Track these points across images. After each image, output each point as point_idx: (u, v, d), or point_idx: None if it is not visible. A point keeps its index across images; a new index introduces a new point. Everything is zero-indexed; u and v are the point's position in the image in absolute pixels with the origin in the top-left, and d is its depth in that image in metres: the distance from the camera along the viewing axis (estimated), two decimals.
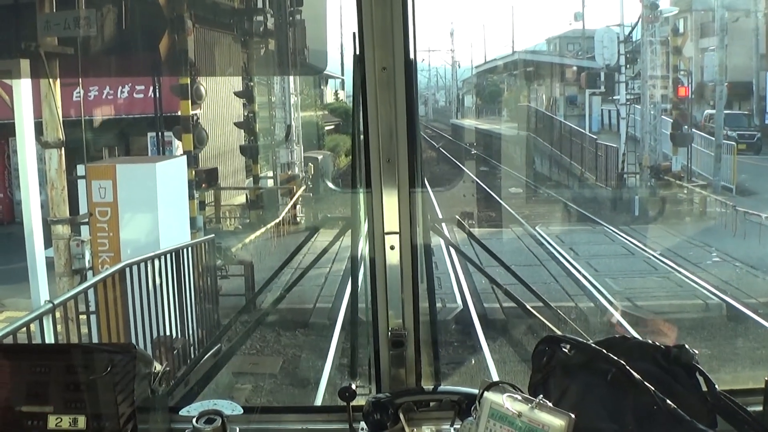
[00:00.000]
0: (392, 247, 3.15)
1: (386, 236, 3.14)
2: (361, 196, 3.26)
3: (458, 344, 14.15)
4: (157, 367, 3.04)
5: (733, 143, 31.18)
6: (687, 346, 2.74)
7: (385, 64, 2.95)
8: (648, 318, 14.75)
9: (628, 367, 2.60)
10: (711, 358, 12.04)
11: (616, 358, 2.64)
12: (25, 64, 12.79)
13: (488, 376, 11.53)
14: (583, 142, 38.21)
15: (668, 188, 29.08)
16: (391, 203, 3.10)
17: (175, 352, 11.18)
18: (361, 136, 3.11)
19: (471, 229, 21.99)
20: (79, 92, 18.67)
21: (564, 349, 2.80)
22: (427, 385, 3.31)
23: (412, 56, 2.99)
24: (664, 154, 30.73)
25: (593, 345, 2.74)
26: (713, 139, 30.91)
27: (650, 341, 2.85)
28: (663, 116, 30.95)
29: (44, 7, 13.14)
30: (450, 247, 14.21)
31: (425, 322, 3.31)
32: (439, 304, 15.28)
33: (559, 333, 3.67)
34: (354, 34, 3.00)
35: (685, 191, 28.85)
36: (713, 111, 33.60)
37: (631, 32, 36.55)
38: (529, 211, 29.36)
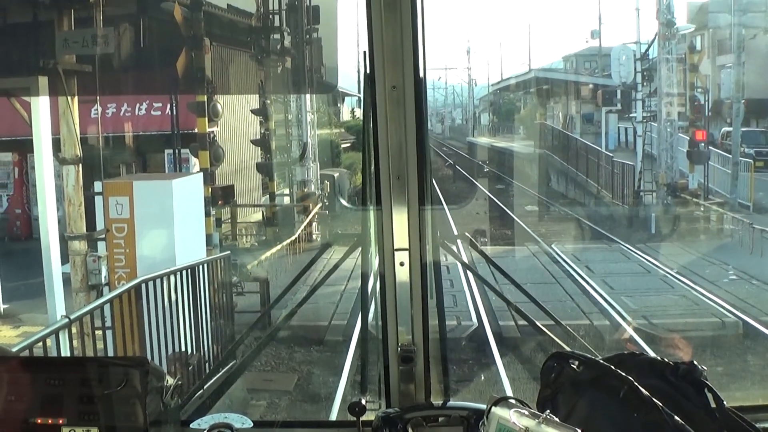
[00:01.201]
0: (402, 264, 3.17)
1: (396, 253, 3.16)
2: (372, 213, 3.29)
3: (473, 362, 14.12)
4: (170, 381, 3.07)
5: (750, 160, 31.05)
6: (696, 362, 2.75)
7: (395, 83, 2.98)
8: (664, 336, 14.70)
9: (636, 384, 2.60)
10: (727, 376, 11.99)
11: (624, 374, 2.65)
12: (43, 81, 12.90)
13: (502, 393, 11.51)
14: (600, 159, 38.13)
15: (685, 206, 28.97)
16: (400, 220, 3.13)
17: (190, 368, 11.19)
18: (372, 154, 3.14)
19: (487, 247, 22.04)
20: (97, 109, 18.79)
21: (573, 365, 2.81)
22: (437, 401, 3.32)
23: (421, 75, 3.02)
24: (681, 172, 30.63)
25: (602, 361, 2.75)
26: (730, 156, 30.80)
27: (659, 357, 2.85)
28: (679, 134, 30.87)
29: (63, 25, 13.26)
30: (461, 265, 14.22)
31: (435, 338, 3.33)
32: (454, 322, 15.28)
33: (568, 349, 3.68)
34: (364, 53, 3.04)
35: (702, 209, 28.72)
36: (730, 128, 33.45)
37: (647, 50, 36.48)
38: (545, 229, 29.31)
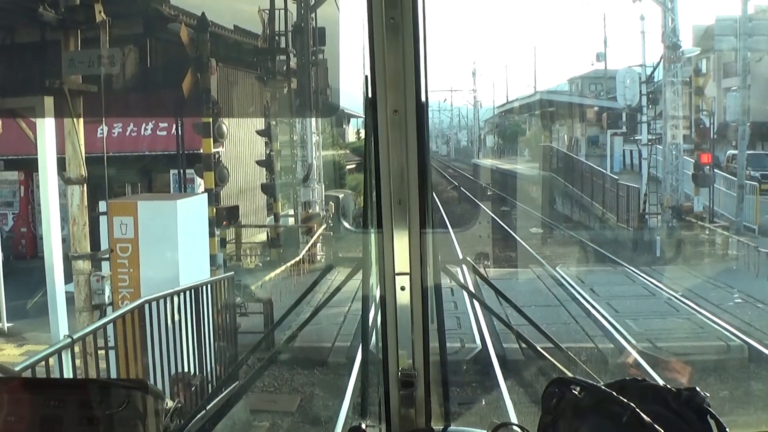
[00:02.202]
0: (403, 288, 3.17)
1: (397, 277, 3.16)
2: (373, 237, 3.29)
3: (476, 385, 14.09)
4: (169, 403, 3.06)
5: (756, 183, 31.04)
6: (698, 388, 2.73)
7: (396, 107, 2.99)
8: (669, 360, 14.65)
9: (638, 410, 2.59)
10: (731, 401, 11.94)
11: (626, 400, 2.64)
12: (49, 101, 12.95)
13: (506, 417, 11.47)
14: (605, 182, 38.18)
15: (690, 229, 28.95)
16: (401, 244, 3.12)
17: (192, 389, 11.17)
18: (373, 177, 3.14)
19: (491, 269, 22.02)
20: (103, 129, 18.87)
21: (574, 391, 2.80)
22: (437, 426, 3.31)
23: (423, 99, 3.02)
24: (686, 195, 30.64)
25: (603, 387, 2.74)
26: (735, 179, 30.80)
27: (662, 383, 2.84)
28: (685, 156, 30.90)
29: (69, 45, 13.33)
30: (463, 289, 14.20)
31: (435, 362, 3.32)
32: (457, 344, 15.24)
33: (569, 375, 3.66)
34: (366, 77, 3.05)
35: (707, 232, 28.69)
36: (735, 151, 33.49)
37: (653, 72, 36.56)
38: (550, 252, 29.30)
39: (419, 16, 2.93)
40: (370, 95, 3.04)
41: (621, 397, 2.66)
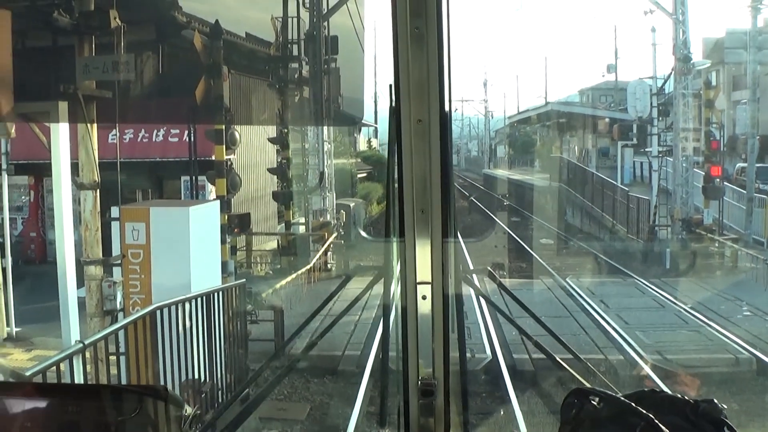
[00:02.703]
0: (424, 297, 3.17)
1: (418, 286, 3.16)
2: (394, 246, 3.29)
3: (487, 395, 14.07)
4: (188, 410, 3.06)
5: (765, 196, 30.97)
6: (716, 400, 2.73)
7: (420, 117, 2.99)
8: (677, 371, 14.62)
9: (656, 421, 2.59)
10: (741, 414, 11.89)
11: (644, 411, 2.64)
12: (63, 106, 13.00)
13: (516, 427, 11.47)
14: (615, 193, 38.16)
15: (699, 241, 28.88)
16: (423, 254, 3.13)
17: (203, 396, 11.19)
18: (395, 186, 3.15)
19: (502, 280, 21.99)
20: (115, 134, 18.92)
21: (593, 402, 2.80)
22: None
23: (447, 109, 3.03)
24: (696, 207, 30.60)
25: (622, 398, 2.74)
26: (745, 192, 30.76)
27: (679, 395, 2.84)
28: (695, 169, 30.86)
29: (84, 51, 13.37)
30: (480, 298, 14.17)
31: (455, 371, 3.32)
32: (468, 354, 15.21)
33: (588, 386, 3.67)
34: (390, 86, 3.05)
35: (717, 244, 28.62)
36: (745, 164, 33.44)
37: (663, 85, 36.57)
38: (560, 263, 29.23)
39: (444, 26, 2.94)
40: (393, 104, 3.05)
41: (640, 408, 2.66)
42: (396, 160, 3.10)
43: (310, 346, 4.75)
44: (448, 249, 3.16)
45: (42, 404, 2.95)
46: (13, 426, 2.85)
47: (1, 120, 15.10)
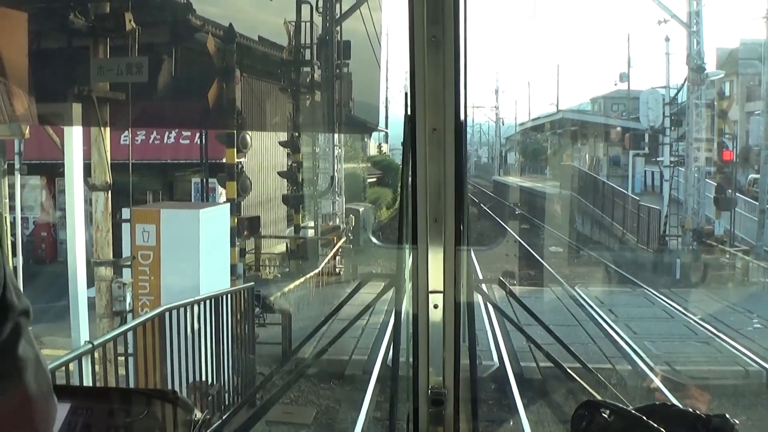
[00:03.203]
0: (436, 306, 3.16)
1: (430, 295, 3.15)
2: (407, 253, 3.29)
3: (494, 403, 14.03)
4: (198, 414, 3.06)
5: None
6: (728, 416, 2.72)
7: (435, 125, 2.99)
8: (686, 383, 14.56)
9: None
10: (751, 428, 11.84)
11: (656, 425, 2.62)
12: (77, 108, 13.04)
13: None
14: (626, 203, 38.09)
15: (710, 252, 28.82)
16: (436, 262, 3.12)
17: (210, 399, 11.19)
18: (409, 194, 3.14)
19: (515, 287, 21.98)
20: (128, 136, 18.97)
21: (603, 415, 2.78)
22: None
23: (462, 118, 3.02)
24: (707, 218, 30.53)
25: (633, 412, 2.73)
26: (757, 203, 30.66)
27: (691, 409, 2.82)
28: (707, 179, 30.79)
29: (98, 53, 13.41)
30: (487, 305, 14.15)
31: (465, 380, 3.31)
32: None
33: (598, 397, 3.65)
34: (405, 94, 3.05)
35: (728, 256, 28.55)
36: (758, 175, 33.35)
37: (676, 94, 36.53)
38: (569, 271, 29.19)
39: (460, 34, 2.94)
40: (409, 112, 3.05)
41: (651, 422, 2.65)
42: (410, 168, 3.10)
43: (321, 352, 4.74)
44: (461, 258, 3.15)
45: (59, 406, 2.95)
46: None
47: (15, 121, 15.15)
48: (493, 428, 12.74)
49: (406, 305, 3.42)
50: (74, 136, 13.14)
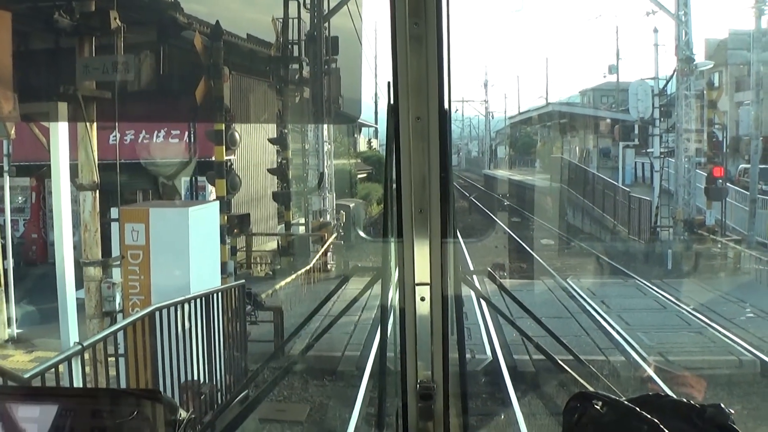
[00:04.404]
0: (423, 299, 3.11)
1: (417, 287, 3.10)
2: (392, 246, 3.23)
3: (487, 396, 14.01)
4: (183, 414, 3.01)
5: None
6: (723, 405, 2.67)
7: (419, 114, 2.93)
8: (680, 374, 14.56)
9: (661, 426, 2.53)
10: (746, 417, 11.83)
11: (649, 416, 2.58)
12: (62, 107, 12.96)
13: (517, 430, 11.42)
14: (616, 194, 38.14)
15: (702, 242, 28.86)
16: (422, 254, 3.07)
17: (202, 398, 11.13)
18: (394, 185, 3.09)
19: (503, 281, 21.97)
20: (116, 136, 18.89)
21: (596, 406, 2.74)
22: None
23: (446, 107, 2.97)
24: (698, 208, 30.58)
25: (626, 402, 2.69)
26: (748, 193, 30.72)
27: (685, 400, 2.78)
28: (697, 170, 30.83)
29: (84, 51, 13.32)
30: (480, 299, 14.11)
31: (454, 374, 3.26)
32: (468, 356, 15.15)
33: (591, 389, 3.61)
34: (388, 83, 2.99)
35: (719, 246, 28.59)
36: (748, 165, 33.42)
37: (665, 85, 36.59)
38: (561, 263, 29.21)
39: (443, 21, 2.88)
40: (392, 102, 2.99)
41: (644, 413, 2.60)
42: (394, 159, 3.04)
43: (308, 348, 4.68)
44: (447, 249, 3.10)
45: (37, 408, 2.91)
46: (8, 430, 2.81)
47: (1, 121, 15.06)
48: (485, 422, 12.70)
49: (393, 298, 3.36)
50: (60, 135, 13.07)
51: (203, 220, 13.54)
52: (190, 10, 20.40)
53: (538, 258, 29.58)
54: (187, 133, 23.64)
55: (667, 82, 35.85)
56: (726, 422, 2.66)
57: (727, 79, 43.56)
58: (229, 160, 20.82)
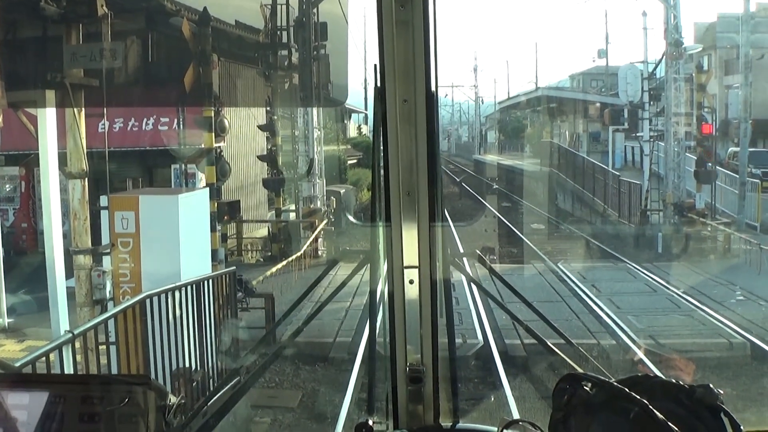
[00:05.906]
0: (411, 282, 3.10)
1: (405, 270, 3.09)
2: (381, 230, 3.22)
3: (479, 380, 14.04)
4: (172, 399, 3.01)
5: (758, 181, 31.03)
6: (712, 385, 2.67)
7: (406, 97, 2.92)
8: (670, 356, 14.60)
9: (651, 407, 2.53)
10: (736, 398, 11.88)
11: (638, 397, 2.58)
12: (50, 94, 12.90)
13: (508, 413, 11.43)
14: (606, 178, 38.20)
15: (692, 225, 28.92)
16: (410, 237, 3.06)
17: (194, 384, 11.13)
18: (382, 170, 3.07)
19: (493, 265, 21.98)
20: (104, 123, 18.83)
21: (585, 388, 2.74)
22: (446, 422, 3.25)
23: (433, 89, 2.95)
24: (688, 192, 30.62)
25: (615, 383, 2.68)
26: (737, 176, 30.78)
27: (674, 380, 2.78)
28: (687, 153, 30.86)
29: (71, 39, 13.25)
30: (471, 283, 14.12)
31: (444, 357, 3.26)
32: (459, 340, 15.17)
33: (580, 371, 3.61)
34: (375, 66, 2.98)
35: (709, 229, 28.67)
36: (737, 148, 33.48)
37: (655, 69, 36.55)
38: (551, 247, 29.22)
39: (429, 4, 2.87)
40: (379, 84, 2.97)
41: (633, 393, 2.60)
42: (382, 142, 3.03)
43: (298, 333, 4.67)
44: (436, 233, 3.09)
45: (27, 395, 2.91)
46: None
47: None
48: (476, 405, 12.72)
49: (382, 282, 3.35)
50: (48, 123, 13.01)
51: (193, 208, 13.53)
52: None
53: (528, 242, 29.60)
54: (176, 120, 23.56)
55: (657, 66, 35.83)
56: (715, 402, 2.66)
57: (716, 63, 43.57)
58: (219, 147, 20.78)
